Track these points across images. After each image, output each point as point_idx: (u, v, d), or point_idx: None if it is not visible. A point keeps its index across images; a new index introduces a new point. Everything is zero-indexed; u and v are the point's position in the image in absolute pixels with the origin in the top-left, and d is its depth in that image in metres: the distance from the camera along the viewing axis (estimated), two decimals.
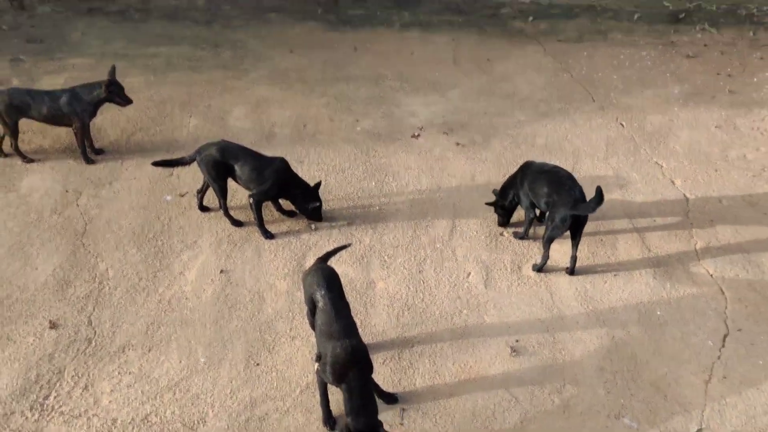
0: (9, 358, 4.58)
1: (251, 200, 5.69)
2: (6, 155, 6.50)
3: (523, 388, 4.55)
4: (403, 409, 4.38)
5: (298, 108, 7.47)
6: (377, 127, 7.17)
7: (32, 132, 6.85)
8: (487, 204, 5.91)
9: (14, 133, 6.36)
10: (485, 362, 4.72)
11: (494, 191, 5.90)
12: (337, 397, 4.16)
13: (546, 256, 5.44)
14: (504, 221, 5.90)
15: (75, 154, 6.58)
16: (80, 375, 4.50)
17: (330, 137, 6.98)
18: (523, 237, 5.78)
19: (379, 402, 4.29)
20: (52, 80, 7.74)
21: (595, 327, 5.00)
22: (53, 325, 4.83)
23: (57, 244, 5.52)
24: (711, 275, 5.44)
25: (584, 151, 6.91)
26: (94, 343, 4.72)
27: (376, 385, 4.34)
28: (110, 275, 5.28)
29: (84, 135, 6.48)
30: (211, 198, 5.96)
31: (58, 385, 4.43)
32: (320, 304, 4.23)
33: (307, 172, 6.42)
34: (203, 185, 5.90)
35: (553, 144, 7.00)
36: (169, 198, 6.10)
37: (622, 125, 7.33)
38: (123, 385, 4.46)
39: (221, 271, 5.36)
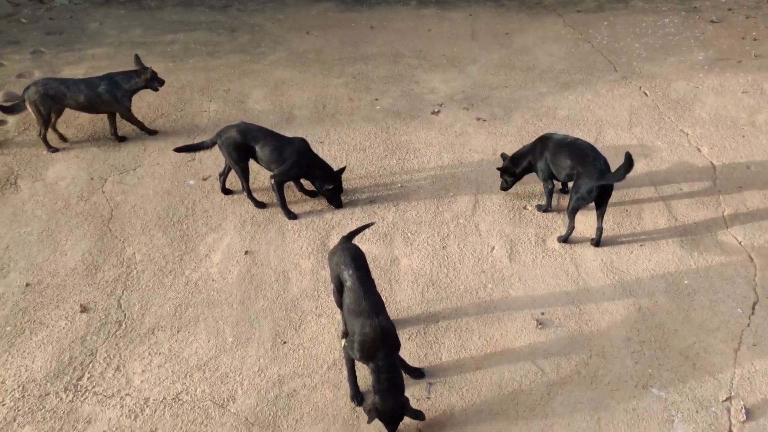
0: (42, 341, 4.68)
1: (272, 181, 5.72)
2: (63, 138, 6.71)
3: (550, 360, 4.54)
4: (430, 384, 4.39)
5: (316, 89, 7.47)
6: (396, 105, 7.14)
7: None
8: (498, 169, 5.86)
9: (46, 123, 6.47)
10: (511, 335, 4.72)
11: (503, 155, 5.86)
12: (364, 372, 4.19)
13: (571, 227, 5.40)
14: (507, 187, 5.89)
15: (98, 142, 6.66)
16: (112, 356, 4.59)
17: (350, 117, 6.97)
18: (546, 209, 5.74)
19: (405, 377, 4.32)
20: (73, 70, 7.83)
21: (621, 298, 4.96)
22: (84, 309, 4.92)
23: (85, 231, 5.61)
24: (740, 243, 5.35)
25: (607, 121, 6.81)
26: (124, 326, 4.81)
27: (403, 361, 4.36)
28: (137, 259, 5.35)
29: (131, 118, 6.70)
30: (233, 181, 6.01)
31: (90, 366, 4.52)
32: (348, 283, 4.23)
33: (327, 152, 6.43)
34: (225, 168, 5.94)
35: (576, 115, 6.91)
36: (192, 182, 6.15)
37: (646, 94, 7.21)
38: (154, 365, 4.53)
39: (246, 252, 5.40)
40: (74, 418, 4.20)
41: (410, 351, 4.58)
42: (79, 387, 4.39)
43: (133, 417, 4.21)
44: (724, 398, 4.26)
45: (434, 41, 8.42)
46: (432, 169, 6.23)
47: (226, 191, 6.02)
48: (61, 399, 4.31)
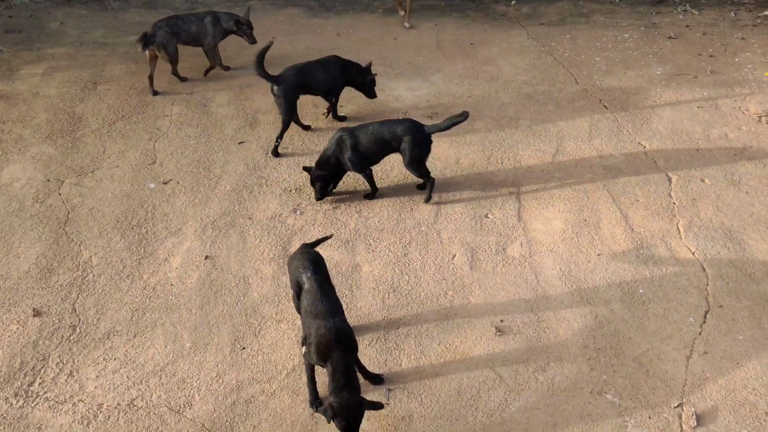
0: None
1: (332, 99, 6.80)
2: (156, 93, 7.36)
3: (508, 367, 4.59)
4: (389, 390, 4.40)
5: None
6: (361, 112, 7.15)
7: (12, 122, 6.80)
8: (311, 183, 5.92)
9: (175, 59, 7.33)
10: (470, 342, 4.75)
11: (304, 168, 5.90)
12: (323, 379, 4.18)
13: (432, 183, 5.92)
14: (323, 195, 5.92)
15: (56, 143, 6.54)
16: (65, 362, 4.49)
17: (313, 123, 6.97)
18: (372, 196, 5.98)
19: (365, 383, 4.33)
20: (32, 69, 7.70)
21: (579, 306, 5.04)
22: (37, 313, 4.81)
23: (39, 233, 5.49)
24: (693, 253, 5.49)
25: (568, 132, 6.93)
26: (78, 330, 4.71)
27: (362, 367, 4.37)
28: (94, 263, 5.25)
29: (214, 55, 7.56)
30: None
31: (42, 371, 4.41)
32: (305, 286, 4.24)
33: (291, 157, 6.42)
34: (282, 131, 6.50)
35: (537, 126, 7.02)
36: (152, 185, 6.07)
37: (606, 107, 7.36)
38: (108, 370, 4.45)
39: (206, 257, 5.35)
40: (24, 424, 4.10)
41: (370, 357, 4.59)
42: (30, 392, 4.28)
43: (85, 423, 4.12)
44: (675, 404, 4.35)
45: (400, 50, 8.48)
46: (395, 176, 6.26)
47: (277, 154, 6.51)
48: (11, 405, 4.20)
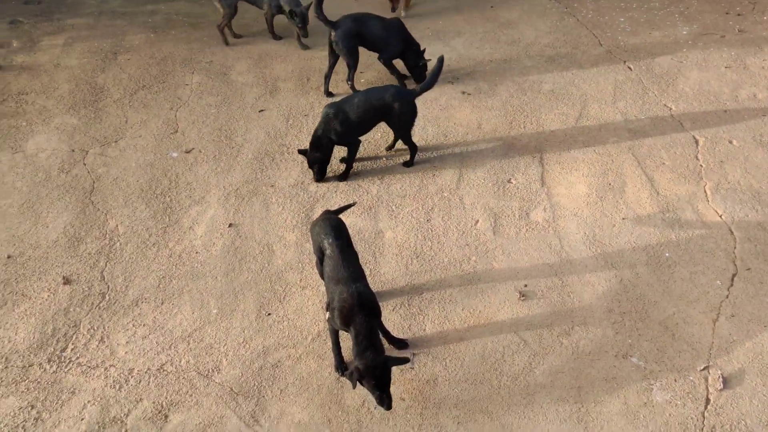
0: (25, 313, 4.65)
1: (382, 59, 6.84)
2: (236, 35, 7.84)
3: (532, 331, 4.59)
4: (414, 354, 4.43)
5: (300, 61, 7.40)
6: (381, 79, 7.09)
7: (35, 93, 6.84)
8: (309, 167, 5.84)
9: (232, 14, 7.56)
10: (494, 307, 4.76)
11: (300, 151, 5.78)
12: (349, 344, 4.21)
13: (414, 149, 5.97)
14: (322, 176, 5.82)
15: (79, 113, 6.58)
16: (96, 328, 4.58)
17: (334, 89, 6.92)
18: (346, 177, 5.88)
19: (390, 349, 4.36)
20: (52, 41, 7.71)
21: (603, 270, 5.01)
22: (67, 281, 4.89)
23: (66, 203, 5.56)
24: (720, 216, 5.42)
25: (592, 95, 6.82)
26: (107, 298, 4.79)
27: (387, 331, 4.40)
28: (120, 231, 5.32)
29: (270, 23, 7.74)
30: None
31: (74, 338, 4.51)
32: (327, 252, 4.26)
33: (312, 125, 6.39)
34: (329, 69, 6.77)
35: (560, 89, 6.91)
36: (175, 155, 6.10)
37: (630, 68, 7.22)
38: (138, 336, 4.53)
39: (230, 225, 5.39)
40: (58, 388, 4.20)
41: (394, 322, 4.62)
42: (62, 358, 4.38)
43: (117, 387, 4.21)
44: (702, 367, 4.34)
45: (419, 14, 8.36)
46: (417, 142, 6.22)
47: (329, 94, 6.80)
48: (44, 370, 4.30)
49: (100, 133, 6.34)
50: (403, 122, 5.78)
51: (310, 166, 5.78)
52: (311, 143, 5.71)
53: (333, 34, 6.61)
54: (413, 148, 5.94)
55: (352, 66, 6.77)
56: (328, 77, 6.85)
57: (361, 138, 5.84)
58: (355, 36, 6.66)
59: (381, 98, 5.69)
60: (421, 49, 6.83)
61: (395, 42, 6.79)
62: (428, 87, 5.81)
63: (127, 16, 8.28)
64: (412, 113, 5.82)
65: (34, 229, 5.31)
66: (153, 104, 6.74)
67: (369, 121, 5.76)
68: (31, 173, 5.85)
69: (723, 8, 8.30)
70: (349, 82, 6.81)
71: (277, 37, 7.83)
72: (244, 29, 7.89)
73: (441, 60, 5.83)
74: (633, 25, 8.02)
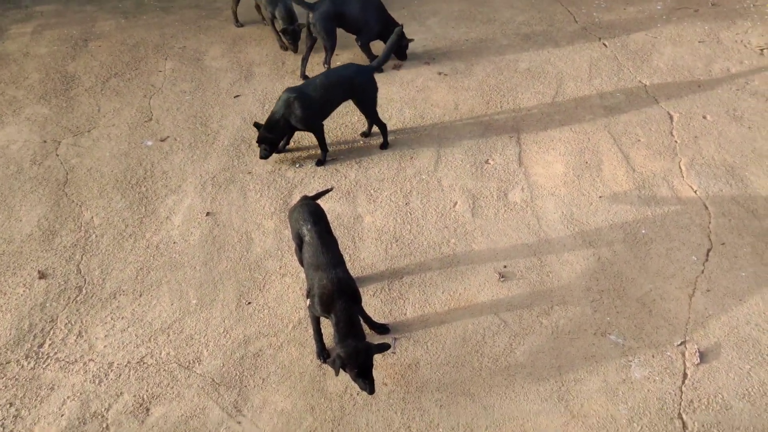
0: (0, 309, 4.60)
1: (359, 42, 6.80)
2: (241, 24, 7.67)
3: (512, 312, 4.63)
4: (395, 339, 4.45)
5: (275, 45, 7.31)
6: (356, 60, 7.02)
7: (4, 83, 6.71)
8: (257, 141, 5.73)
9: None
10: (474, 289, 4.78)
11: (255, 124, 5.66)
12: (330, 331, 4.22)
13: (383, 126, 5.95)
14: (268, 154, 5.73)
15: (50, 103, 6.46)
16: (73, 322, 4.54)
17: (310, 73, 6.85)
18: (323, 162, 5.82)
19: (372, 334, 4.37)
20: (21, 29, 7.56)
21: (581, 248, 5.05)
22: (42, 275, 4.84)
23: (40, 195, 5.48)
24: (695, 192, 5.47)
25: (568, 73, 6.82)
26: (84, 291, 4.74)
27: (368, 317, 4.40)
28: (96, 223, 5.25)
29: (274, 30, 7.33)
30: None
31: (51, 333, 4.47)
32: (306, 238, 4.25)
33: None
34: (306, 51, 6.74)
35: (536, 68, 6.90)
36: (149, 143, 6.02)
37: (605, 45, 7.22)
38: (116, 329, 4.50)
39: (207, 214, 5.35)
40: (37, 385, 4.17)
41: (375, 307, 4.62)
42: (40, 354, 4.34)
43: (97, 382, 4.19)
44: (678, 342, 4.41)
45: None
46: (394, 125, 6.20)
47: (306, 77, 6.68)
48: (22, 366, 4.27)
49: (73, 123, 6.24)
50: (366, 98, 5.78)
51: (258, 142, 5.67)
52: (266, 123, 5.60)
53: (311, 15, 6.55)
54: (383, 127, 5.93)
55: (330, 48, 6.74)
56: (305, 60, 6.79)
57: (323, 122, 5.76)
58: (334, 18, 6.61)
59: (342, 76, 5.67)
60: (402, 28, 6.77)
61: (374, 23, 6.74)
62: (385, 60, 5.87)
63: (97, 1, 8.12)
64: (374, 88, 5.81)
65: (8, 223, 5.23)
66: (126, 92, 6.64)
67: (332, 102, 5.72)
68: (2, 166, 5.75)
69: None
70: (325, 65, 6.76)
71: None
72: (217, 13, 7.77)
73: (397, 32, 5.93)
74: (608, 1, 8.01)
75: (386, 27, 6.75)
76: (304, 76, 6.73)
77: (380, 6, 6.78)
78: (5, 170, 5.71)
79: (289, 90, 5.62)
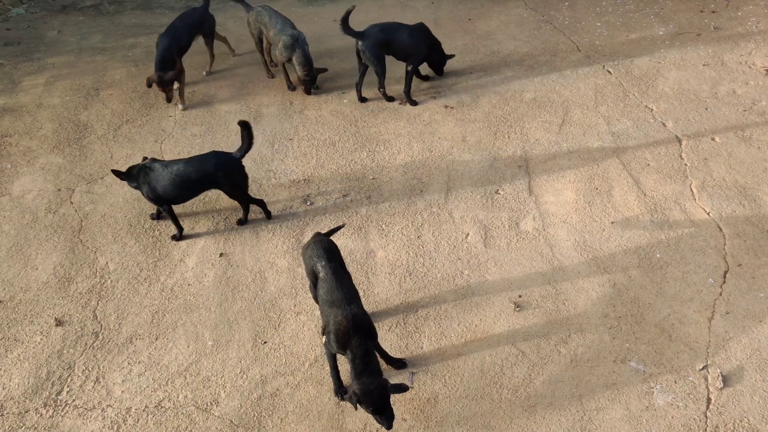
0: (18, 358, 4.61)
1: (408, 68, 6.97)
2: (272, 63, 7.72)
3: (529, 342, 4.59)
4: (413, 373, 4.42)
5: (283, 85, 7.41)
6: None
7: (18, 134, 6.83)
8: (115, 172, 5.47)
9: (260, 48, 7.53)
10: (490, 320, 4.75)
11: (144, 159, 5.50)
12: (347, 367, 4.20)
13: (259, 201, 5.63)
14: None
15: (63, 152, 6.56)
16: (90, 368, 4.54)
17: (317, 112, 6.95)
18: (179, 237, 5.52)
19: (389, 369, 4.34)
20: (34, 80, 7.70)
21: (596, 275, 5.02)
22: (59, 323, 4.86)
23: (55, 243, 5.53)
24: (708, 213, 5.44)
25: (573, 101, 6.87)
26: (101, 337, 4.76)
27: (384, 352, 4.38)
28: (111, 269, 5.29)
29: (284, 70, 7.44)
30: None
31: (69, 380, 4.47)
32: (321, 275, 4.25)
33: (297, 148, 6.41)
34: (360, 77, 6.98)
35: (542, 97, 6.95)
36: None
37: (610, 72, 7.28)
38: (134, 374, 4.50)
39: (221, 255, 5.37)
40: None
41: (391, 342, 4.60)
42: (58, 402, 4.34)
43: (115, 428, 4.17)
44: (700, 367, 4.34)
45: None
46: (402, 159, 6.24)
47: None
48: (41, 415, 4.26)
49: (86, 171, 6.32)
50: (237, 187, 5.46)
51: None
52: (128, 170, 5.41)
53: (360, 43, 6.76)
54: (258, 202, 5.63)
55: (381, 74, 6.96)
56: (359, 85, 7.09)
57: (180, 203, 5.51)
58: (382, 45, 6.80)
59: (202, 169, 5.28)
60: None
61: (423, 47, 6.95)
62: (248, 146, 5.39)
63: (107, 51, 8.29)
64: (243, 175, 5.46)
65: (24, 272, 5.28)
66: (137, 138, 6.73)
67: (184, 194, 5.39)
68: (18, 215, 5.82)
69: (697, 6, 8.40)
70: (380, 90, 7.05)
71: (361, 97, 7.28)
72: (224, 57, 7.92)
73: (243, 124, 5.36)
74: (609, 28, 8.09)
75: (432, 49, 7.05)
76: (362, 99, 7.09)
77: (426, 31, 6.98)
78: (21, 220, 5.78)
79: (152, 160, 5.43)
